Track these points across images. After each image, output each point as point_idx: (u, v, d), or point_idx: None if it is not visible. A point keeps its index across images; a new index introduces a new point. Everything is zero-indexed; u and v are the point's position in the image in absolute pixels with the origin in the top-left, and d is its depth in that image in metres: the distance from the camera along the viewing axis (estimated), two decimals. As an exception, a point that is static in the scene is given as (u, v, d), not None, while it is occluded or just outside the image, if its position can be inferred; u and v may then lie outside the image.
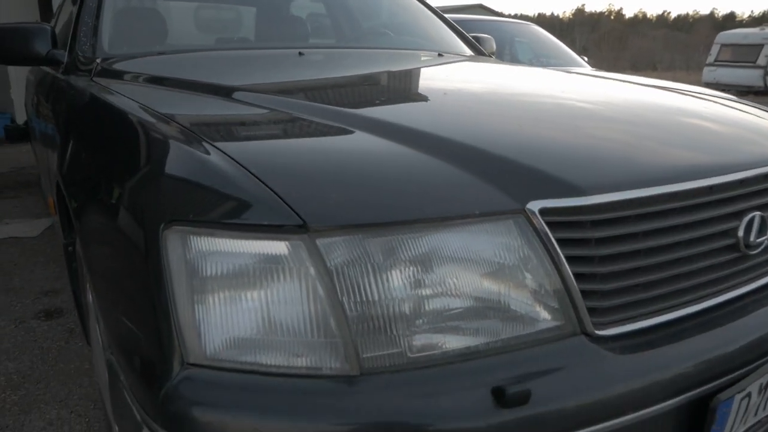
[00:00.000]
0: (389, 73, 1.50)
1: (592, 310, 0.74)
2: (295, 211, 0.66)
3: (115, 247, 0.84)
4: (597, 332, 0.74)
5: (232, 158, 0.74)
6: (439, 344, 0.69)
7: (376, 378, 0.65)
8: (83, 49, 1.60)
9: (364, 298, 0.67)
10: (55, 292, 2.27)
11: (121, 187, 0.86)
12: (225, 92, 1.13)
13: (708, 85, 16.59)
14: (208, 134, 0.84)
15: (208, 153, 0.77)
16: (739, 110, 1.31)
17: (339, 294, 0.66)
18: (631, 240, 0.78)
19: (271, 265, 0.66)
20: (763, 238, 0.91)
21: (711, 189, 0.85)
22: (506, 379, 0.68)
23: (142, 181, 0.82)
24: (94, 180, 1.00)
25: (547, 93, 1.30)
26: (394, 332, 0.67)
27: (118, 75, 1.39)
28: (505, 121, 0.98)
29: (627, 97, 1.30)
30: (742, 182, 0.89)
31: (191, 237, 0.67)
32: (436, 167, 0.77)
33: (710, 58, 16.44)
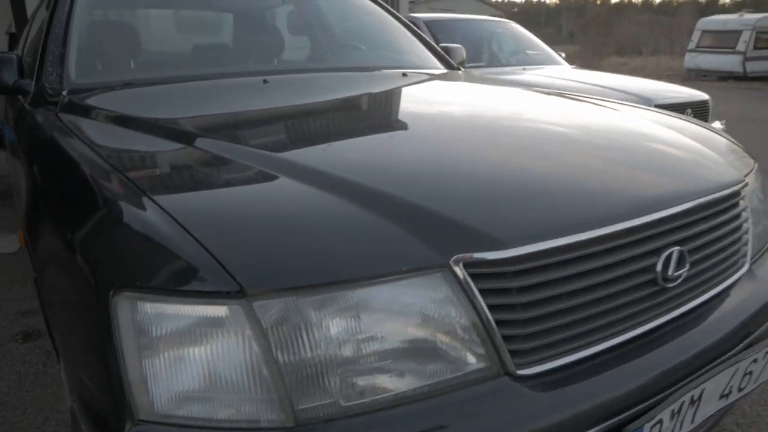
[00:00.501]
0: (344, 106, 1.54)
1: (514, 353, 0.81)
2: (233, 277, 0.71)
3: (69, 301, 0.89)
4: (519, 372, 0.81)
5: (177, 221, 0.79)
6: (371, 393, 0.75)
7: (310, 428, 0.71)
8: (50, 79, 1.62)
9: (298, 354, 0.73)
10: (33, 312, 2.29)
11: (75, 244, 0.90)
12: (180, 137, 1.17)
13: (690, 70, 16.75)
14: (157, 191, 0.89)
15: (155, 214, 0.82)
16: (675, 136, 1.36)
17: (274, 351, 0.72)
18: (551, 286, 0.84)
19: (212, 328, 0.72)
20: (682, 270, 0.98)
21: (629, 231, 0.91)
22: (433, 422, 0.74)
23: (93, 241, 0.86)
24: (51, 229, 1.04)
25: (488, 126, 1.33)
26: (327, 384, 0.73)
27: (82, 111, 1.41)
28: (440, 167, 1.02)
29: (562, 132, 1.33)
30: (660, 221, 0.95)
31: (139, 302, 0.73)
32: (366, 223, 0.82)
33: (691, 44, 16.58)
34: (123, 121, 1.32)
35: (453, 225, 0.83)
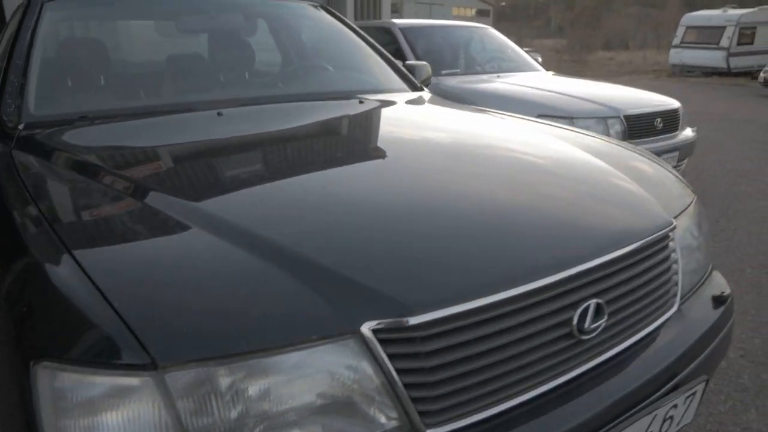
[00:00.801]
0: (283, 146, 1.51)
1: (423, 413, 0.83)
2: (146, 350, 0.74)
3: None
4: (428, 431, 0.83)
5: (97, 285, 0.81)
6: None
7: None
8: (8, 112, 1.60)
9: (209, 422, 0.75)
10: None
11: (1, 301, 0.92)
12: (119, 184, 1.17)
13: (674, 66, 16.86)
14: (82, 248, 0.90)
15: (76, 277, 0.83)
16: (604, 176, 1.34)
17: (184, 421, 0.74)
18: (461, 348, 0.85)
19: (126, 398, 0.74)
20: (600, 322, 0.99)
21: (542, 289, 0.92)
22: None
23: (17, 303, 0.88)
24: None
25: (414, 174, 1.28)
26: None
27: (35, 149, 1.39)
28: (359, 225, 1.02)
29: (484, 180, 1.26)
30: (576, 276, 0.96)
31: (58, 372, 0.75)
32: (280, 286, 0.83)
33: (676, 40, 16.70)
34: (67, 164, 1.32)
35: (364, 290, 0.84)
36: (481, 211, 1.10)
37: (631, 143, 3.49)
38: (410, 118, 1.88)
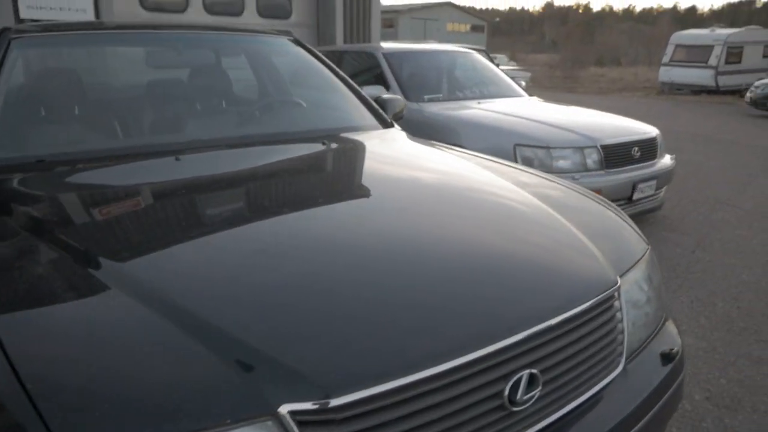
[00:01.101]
0: (232, 203, 1.45)
1: None
2: None
3: None
4: None
5: (14, 368, 0.79)
6: None
7: None
8: None
9: None
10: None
11: None
12: (51, 244, 1.14)
13: (664, 84, 17.04)
14: (8, 335, 0.87)
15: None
16: (550, 232, 1.32)
17: None
18: (385, 428, 0.84)
19: None
20: (534, 392, 0.98)
21: (471, 363, 0.91)
22: None
23: None
24: None
25: (351, 237, 1.24)
26: None
27: None
28: (286, 298, 0.99)
29: (420, 245, 1.20)
30: (507, 348, 0.95)
31: None
32: (196, 367, 0.82)
33: (665, 58, 16.90)
34: (9, 213, 1.31)
35: (284, 370, 0.83)
36: (409, 284, 1.06)
37: (607, 172, 3.54)
38: (368, 165, 1.86)
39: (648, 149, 3.76)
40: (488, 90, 4.74)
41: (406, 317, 0.97)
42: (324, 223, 1.32)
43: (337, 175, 1.76)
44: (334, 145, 1.92)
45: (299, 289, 1.02)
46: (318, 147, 1.89)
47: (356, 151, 1.96)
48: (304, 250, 1.16)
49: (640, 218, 3.87)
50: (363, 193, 1.57)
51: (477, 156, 2.00)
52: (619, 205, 3.64)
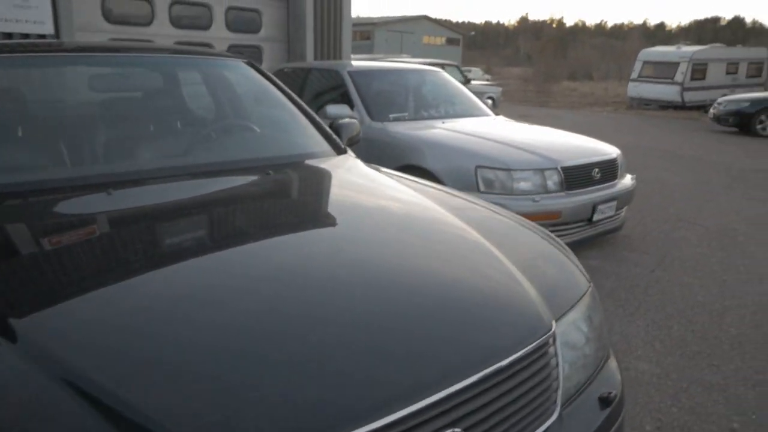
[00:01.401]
0: (158, 246, 1.35)
1: None
2: None
3: None
4: None
5: None
6: None
7: None
8: None
9: None
10: None
11: None
12: None
13: (632, 99, 17.47)
14: None
15: None
16: (480, 276, 1.28)
17: None
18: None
19: None
20: (461, 451, 0.95)
21: (390, 425, 0.87)
22: None
23: None
24: None
25: (285, 281, 1.16)
26: None
27: None
28: (207, 349, 0.93)
29: (345, 298, 1.13)
30: (428, 407, 0.91)
31: None
32: None
33: (634, 74, 17.34)
34: None
35: None
36: (319, 341, 0.98)
37: (568, 194, 3.56)
38: (309, 198, 1.82)
39: (608, 170, 3.80)
40: (454, 109, 4.76)
41: (316, 378, 0.90)
42: (247, 264, 1.24)
43: (276, 209, 1.70)
44: (279, 176, 1.87)
45: (210, 348, 0.94)
46: (262, 177, 1.84)
47: (301, 182, 1.91)
48: (226, 303, 1.07)
49: (601, 239, 3.92)
50: (299, 227, 1.52)
51: (426, 185, 1.96)
52: (579, 227, 3.71)
